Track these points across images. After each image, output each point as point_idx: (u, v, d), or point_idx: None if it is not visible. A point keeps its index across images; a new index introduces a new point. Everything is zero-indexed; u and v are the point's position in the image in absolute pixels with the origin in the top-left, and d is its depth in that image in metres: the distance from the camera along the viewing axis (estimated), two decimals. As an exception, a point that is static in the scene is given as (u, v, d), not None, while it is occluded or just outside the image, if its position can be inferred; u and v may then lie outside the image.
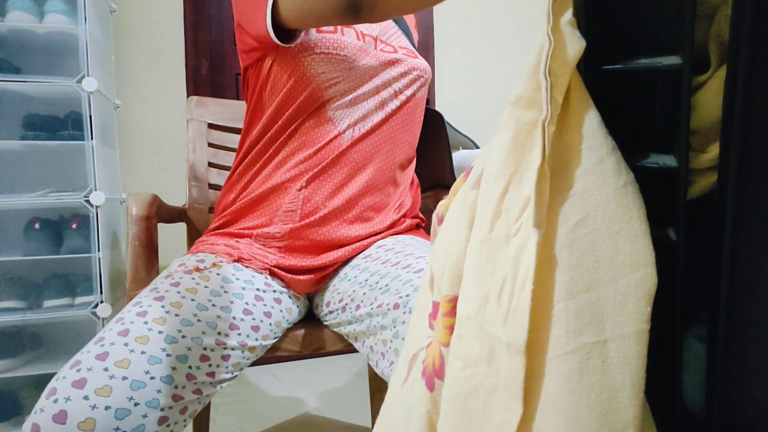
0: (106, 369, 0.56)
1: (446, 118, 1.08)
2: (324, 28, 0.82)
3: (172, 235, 1.39)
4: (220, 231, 0.86)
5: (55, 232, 1.45)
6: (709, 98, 0.34)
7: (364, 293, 0.73)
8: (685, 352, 0.36)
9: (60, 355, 1.43)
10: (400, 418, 0.41)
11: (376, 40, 0.88)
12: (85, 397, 0.54)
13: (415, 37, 1.06)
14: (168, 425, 0.58)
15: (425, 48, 1.83)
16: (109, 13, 1.60)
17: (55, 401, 0.54)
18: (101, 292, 1.42)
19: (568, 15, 0.34)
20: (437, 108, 1.80)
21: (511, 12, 1.86)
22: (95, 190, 1.39)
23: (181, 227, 1.20)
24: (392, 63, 0.88)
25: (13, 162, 1.49)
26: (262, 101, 0.87)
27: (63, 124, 1.47)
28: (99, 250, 1.41)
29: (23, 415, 1.39)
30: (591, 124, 0.34)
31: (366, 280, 0.76)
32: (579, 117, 0.34)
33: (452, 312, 0.38)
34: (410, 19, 1.05)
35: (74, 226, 1.46)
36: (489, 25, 1.86)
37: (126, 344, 0.59)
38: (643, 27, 0.36)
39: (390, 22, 0.95)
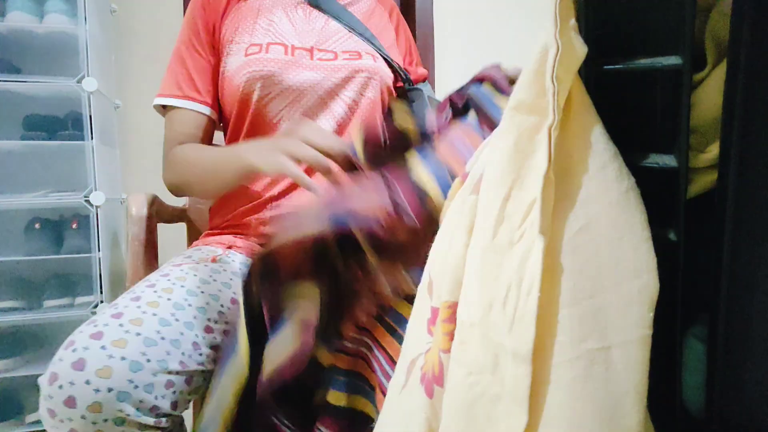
0: (121, 325, 0.59)
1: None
2: (249, 50, 0.85)
3: (172, 235, 1.39)
4: (212, 232, 0.91)
5: (55, 232, 1.45)
6: (707, 96, 0.34)
7: None
8: (685, 352, 0.36)
9: (60, 355, 1.43)
10: (398, 425, 0.41)
11: (311, 51, 0.87)
12: (103, 347, 0.56)
13: (389, 26, 1.01)
14: (174, 392, 0.60)
15: (425, 48, 1.83)
16: (109, 13, 1.60)
17: (74, 350, 0.55)
18: (101, 292, 1.42)
19: (572, 20, 0.34)
20: (437, 108, 1.79)
21: (512, 12, 1.86)
22: (95, 190, 1.39)
23: (181, 227, 1.20)
24: (333, 70, 0.86)
25: (13, 162, 1.48)
26: (226, 123, 0.92)
27: (63, 124, 1.47)
28: (99, 250, 1.40)
29: (23, 415, 1.39)
30: (593, 130, 0.34)
31: None
32: (581, 123, 0.34)
33: (452, 318, 0.38)
34: (372, 13, 1.00)
35: (74, 226, 1.45)
36: (489, 26, 1.86)
37: (138, 307, 0.62)
38: (643, 27, 0.36)
39: (332, 25, 0.92)
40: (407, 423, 0.40)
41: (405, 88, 0.98)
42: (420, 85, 1.00)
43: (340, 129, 0.88)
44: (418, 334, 0.44)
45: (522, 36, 1.86)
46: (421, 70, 1.03)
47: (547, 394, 0.31)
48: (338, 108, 0.87)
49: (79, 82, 1.37)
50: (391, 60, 0.93)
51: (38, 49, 1.47)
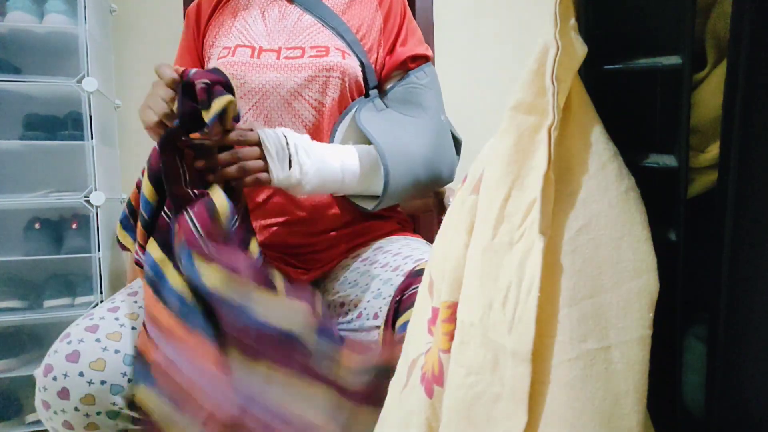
0: (116, 318, 0.60)
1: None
2: (221, 54, 0.85)
3: (172, 235, 1.39)
4: None
5: (55, 232, 1.44)
6: (708, 96, 0.34)
7: (356, 295, 0.75)
8: (685, 352, 0.36)
9: (60, 355, 1.43)
10: (399, 425, 0.41)
11: (279, 51, 0.85)
12: (97, 340, 0.57)
13: (377, 14, 0.94)
14: None
15: (425, 48, 1.83)
16: (109, 13, 1.60)
17: (69, 342, 0.56)
18: (101, 292, 1.42)
19: (572, 20, 0.34)
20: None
21: (512, 12, 1.86)
22: (95, 190, 1.39)
23: (181, 227, 1.20)
24: (296, 69, 0.83)
25: (13, 162, 1.48)
26: None
27: (63, 124, 1.47)
28: (99, 250, 1.40)
29: (23, 415, 1.39)
30: (593, 130, 0.34)
31: (356, 282, 0.77)
32: (581, 122, 0.34)
33: (452, 318, 0.38)
34: (356, 2, 0.93)
35: (74, 226, 1.45)
36: (489, 26, 1.86)
37: (135, 302, 0.63)
38: (643, 27, 0.36)
39: (305, 20, 0.89)
40: (407, 423, 0.40)
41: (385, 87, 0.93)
42: (414, 72, 0.92)
43: (311, 135, 0.84)
44: (418, 334, 0.44)
45: (522, 35, 1.86)
46: (404, 51, 0.92)
47: (547, 394, 0.31)
48: (304, 111, 0.84)
49: (79, 82, 1.37)
50: (363, 58, 0.88)
51: (38, 49, 1.47)
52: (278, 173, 0.71)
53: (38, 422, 1.38)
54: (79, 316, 1.37)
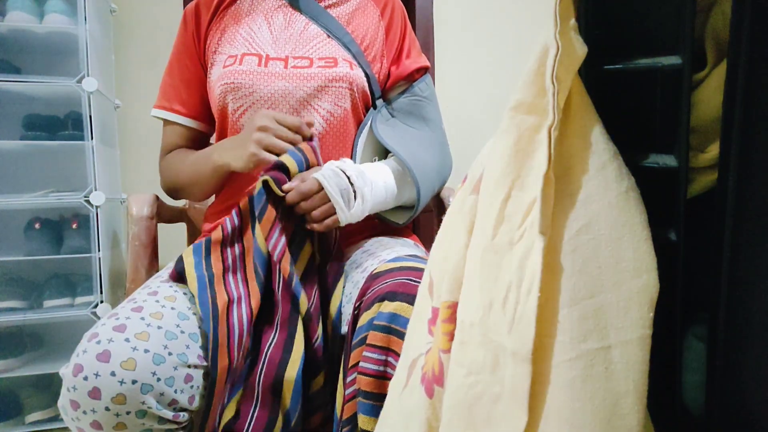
0: (142, 318, 0.60)
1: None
2: (227, 62, 0.86)
3: (172, 235, 1.39)
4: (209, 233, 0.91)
5: (55, 232, 1.44)
6: (708, 96, 0.34)
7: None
8: (685, 352, 0.36)
9: (60, 355, 1.43)
10: (399, 424, 0.41)
11: (286, 60, 0.86)
12: (126, 340, 0.57)
13: (380, 25, 0.95)
14: (192, 386, 0.61)
15: (425, 48, 1.83)
16: (109, 13, 1.60)
17: (98, 342, 0.56)
18: (101, 292, 1.41)
19: (572, 20, 0.34)
20: (437, 108, 1.77)
21: (512, 12, 1.86)
22: (95, 190, 1.39)
23: (181, 227, 1.20)
24: (305, 79, 0.84)
25: (14, 162, 1.48)
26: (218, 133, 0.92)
27: (63, 124, 1.47)
28: (99, 250, 1.40)
29: (23, 415, 1.39)
30: (593, 130, 0.34)
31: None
32: (581, 122, 0.34)
33: (452, 318, 0.38)
34: (359, 12, 0.94)
35: (74, 226, 1.45)
36: (489, 26, 1.86)
37: (157, 301, 0.64)
38: (643, 27, 0.36)
39: (311, 29, 0.89)
40: (408, 422, 0.40)
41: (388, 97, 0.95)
42: (417, 83, 0.95)
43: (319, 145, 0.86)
44: (419, 334, 0.44)
45: (522, 35, 1.86)
46: (411, 64, 0.95)
47: (547, 394, 0.31)
48: (313, 121, 0.84)
49: (79, 82, 1.37)
50: (367, 69, 0.90)
51: (38, 49, 1.47)
52: (345, 214, 0.74)
53: (38, 422, 1.38)
54: (79, 316, 1.38)
